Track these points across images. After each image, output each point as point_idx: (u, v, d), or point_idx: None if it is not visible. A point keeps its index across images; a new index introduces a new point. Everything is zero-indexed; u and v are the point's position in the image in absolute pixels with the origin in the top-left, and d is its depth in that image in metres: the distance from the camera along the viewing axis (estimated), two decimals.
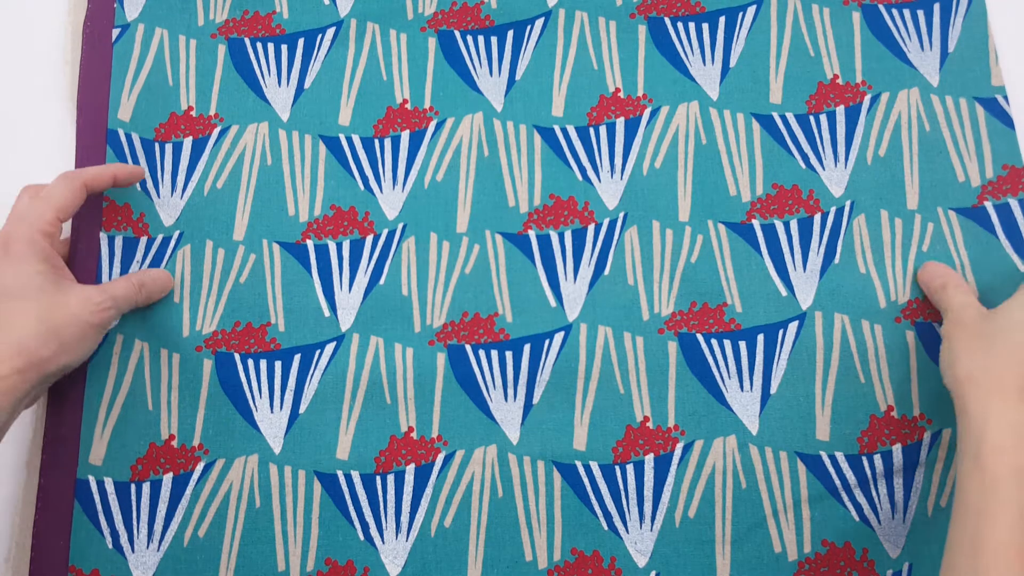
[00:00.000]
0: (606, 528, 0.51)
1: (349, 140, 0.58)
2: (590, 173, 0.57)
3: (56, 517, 0.51)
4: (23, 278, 0.46)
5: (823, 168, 0.57)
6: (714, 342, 0.53)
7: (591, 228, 0.56)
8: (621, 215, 0.56)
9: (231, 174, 0.57)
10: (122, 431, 0.52)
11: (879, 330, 0.53)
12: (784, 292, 0.54)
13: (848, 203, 0.56)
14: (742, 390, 0.53)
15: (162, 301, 0.54)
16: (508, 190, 0.57)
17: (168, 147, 0.57)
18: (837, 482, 0.51)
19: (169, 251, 0.55)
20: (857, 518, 0.50)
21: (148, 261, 0.55)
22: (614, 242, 0.55)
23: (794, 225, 0.56)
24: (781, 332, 0.53)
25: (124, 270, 0.55)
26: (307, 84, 0.59)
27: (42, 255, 0.47)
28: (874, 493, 0.51)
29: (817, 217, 0.56)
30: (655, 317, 0.54)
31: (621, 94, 0.59)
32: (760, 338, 0.53)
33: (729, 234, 0.55)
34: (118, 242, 0.55)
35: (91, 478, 0.51)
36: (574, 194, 0.57)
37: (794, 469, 0.51)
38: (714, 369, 0.53)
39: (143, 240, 0.55)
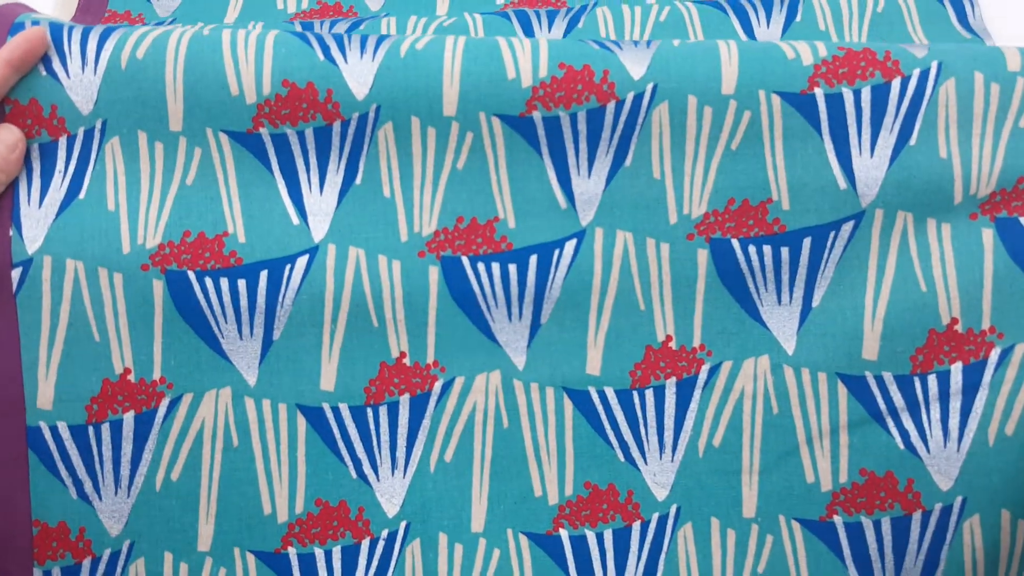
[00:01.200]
0: (622, 459, 0.47)
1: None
2: (611, 47, 0.47)
3: (10, 470, 0.45)
4: None
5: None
6: (752, 249, 0.46)
7: (611, 106, 0.46)
8: (649, 87, 0.45)
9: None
10: (69, 369, 0.45)
11: (947, 230, 0.46)
12: (843, 184, 0.45)
13: (935, 64, 0.46)
14: (779, 304, 0.47)
15: (92, 209, 0.45)
16: (507, 60, 0.46)
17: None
18: (882, 406, 0.46)
19: (95, 147, 0.46)
20: (902, 446, 0.46)
21: (73, 165, 0.46)
22: (639, 123, 0.46)
23: (866, 94, 0.45)
24: (832, 235, 0.46)
25: (46, 185, 0.46)
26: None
27: None
28: (924, 418, 0.46)
29: (896, 83, 0.46)
30: (684, 219, 0.46)
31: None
32: (806, 243, 0.46)
33: (784, 108, 0.45)
34: (34, 151, 0.46)
35: (43, 424, 0.45)
36: (590, 62, 0.46)
37: (833, 392, 0.46)
38: (749, 280, 0.46)
39: (63, 140, 0.46)
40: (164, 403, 0.46)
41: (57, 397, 0.45)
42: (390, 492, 0.47)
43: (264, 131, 0.46)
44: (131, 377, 0.45)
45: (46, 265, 0.45)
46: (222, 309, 0.46)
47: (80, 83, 0.46)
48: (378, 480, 0.47)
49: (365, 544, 0.46)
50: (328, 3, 0.47)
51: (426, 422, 0.47)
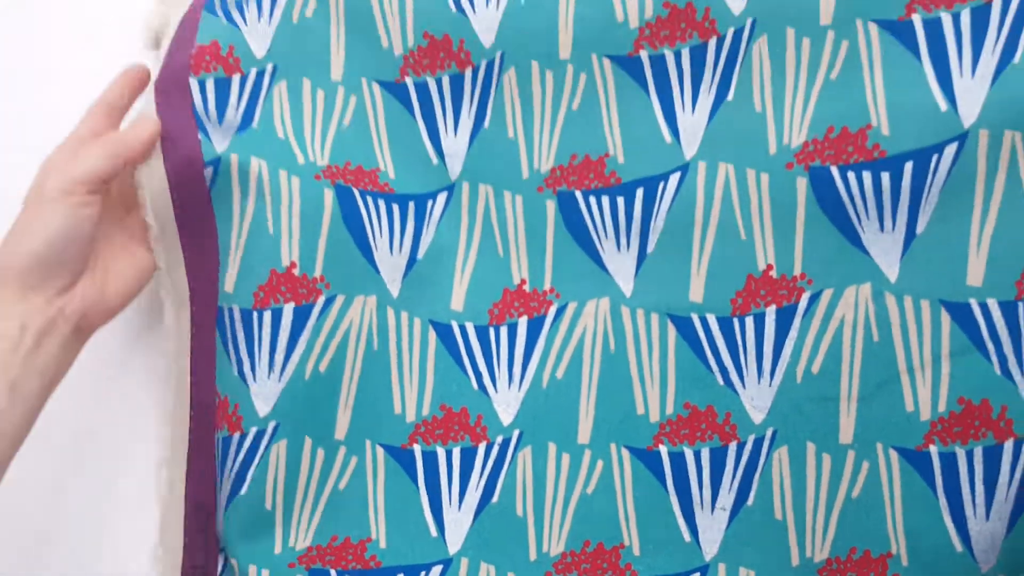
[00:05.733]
0: (722, 383, 0.49)
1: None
2: None
3: (203, 344, 0.52)
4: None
5: None
6: (851, 176, 0.47)
7: (712, 42, 0.49)
8: (749, 21, 0.48)
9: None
10: (249, 256, 0.51)
11: None
12: (944, 106, 0.45)
13: None
14: (882, 231, 0.47)
15: (264, 134, 0.52)
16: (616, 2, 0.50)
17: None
18: (985, 333, 0.45)
19: (266, 85, 0.53)
20: (999, 371, 0.45)
21: (245, 99, 0.53)
22: (740, 57, 0.49)
23: (966, 17, 0.46)
24: (935, 158, 0.45)
25: (221, 112, 0.52)
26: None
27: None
28: None
29: (996, 4, 0.45)
30: (783, 149, 0.48)
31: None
32: (908, 168, 0.46)
33: (882, 36, 0.47)
34: (209, 86, 0.53)
35: (224, 306, 0.51)
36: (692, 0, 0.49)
37: (936, 319, 0.46)
38: (850, 208, 0.47)
39: (235, 79, 0.53)
40: (320, 300, 0.51)
41: (238, 282, 0.51)
42: (506, 403, 0.52)
43: (408, 80, 0.54)
44: (296, 271, 0.51)
45: (233, 163, 0.51)
46: (379, 223, 0.52)
47: (256, 31, 0.53)
48: (496, 392, 0.52)
49: (482, 447, 0.51)
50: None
51: (540, 342, 0.52)
